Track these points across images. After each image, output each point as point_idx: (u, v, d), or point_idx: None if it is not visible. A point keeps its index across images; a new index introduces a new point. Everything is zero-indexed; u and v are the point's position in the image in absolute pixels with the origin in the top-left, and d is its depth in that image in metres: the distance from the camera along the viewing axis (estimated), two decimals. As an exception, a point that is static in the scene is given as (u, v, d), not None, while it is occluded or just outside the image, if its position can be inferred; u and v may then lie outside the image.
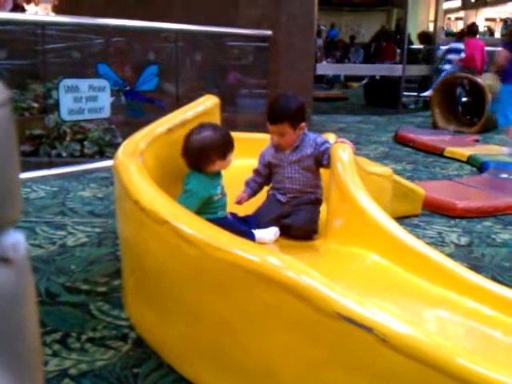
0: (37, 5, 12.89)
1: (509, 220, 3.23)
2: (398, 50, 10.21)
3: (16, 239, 0.56)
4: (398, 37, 10.53)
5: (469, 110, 7.31)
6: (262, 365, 1.37)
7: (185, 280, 1.49)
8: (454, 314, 1.67)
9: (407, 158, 5.21)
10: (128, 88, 4.51)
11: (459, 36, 9.20)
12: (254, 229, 2.20)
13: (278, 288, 1.26)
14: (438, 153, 5.37)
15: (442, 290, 1.74)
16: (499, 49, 5.56)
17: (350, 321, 1.18)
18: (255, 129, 3.42)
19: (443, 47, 9.49)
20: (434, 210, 3.32)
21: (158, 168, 2.03)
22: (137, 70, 4.74)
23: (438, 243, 2.80)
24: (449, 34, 20.22)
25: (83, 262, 2.39)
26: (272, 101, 2.39)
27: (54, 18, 5.54)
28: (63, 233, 2.75)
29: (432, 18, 11.45)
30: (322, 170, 2.38)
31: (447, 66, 8.64)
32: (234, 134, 2.25)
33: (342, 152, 2.20)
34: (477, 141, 6.22)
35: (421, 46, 10.44)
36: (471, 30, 8.49)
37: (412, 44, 10.66)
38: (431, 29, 10.82)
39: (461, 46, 8.44)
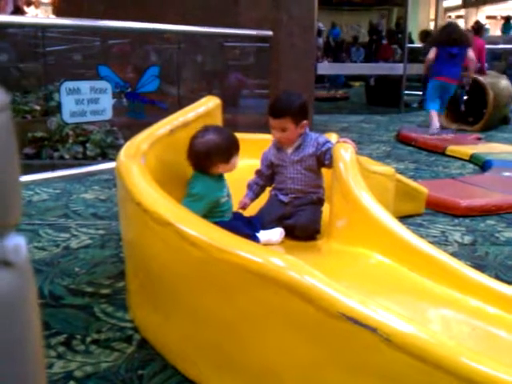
0: (37, 7, 12.91)
1: (512, 218, 3.23)
2: (395, 48, 10.22)
3: (17, 242, 0.56)
4: (400, 35, 10.53)
5: (471, 109, 7.31)
6: (265, 365, 1.37)
7: (188, 281, 1.49)
8: (457, 313, 1.66)
9: (409, 157, 5.21)
10: (129, 90, 4.51)
11: None
12: (259, 229, 2.20)
13: (281, 289, 1.26)
14: (440, 152, 5.36)
15: (446, 289, 1.74)
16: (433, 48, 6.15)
17: (354, 321, 1.17)
18: (256, 129, 3.42)
19: None
20: (437, 208, 3.32)
21: (161, 169, 2.03)
22: (138, 71, 4.75)
23: (442, 242, 2.79)
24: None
25: (87, 265, 2.39)
26: (275, 96, 2.39)
27: (54, 20, 5.54)
28: (66, 235, 2.76)
29: (432, 16, 11.44)
30: (323, 170, 2.38)
31: None
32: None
33: (345, 152, 2.20)
34: (479, 139, 6.21)
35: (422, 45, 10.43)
36: (473, 28, 8.47)
37: (413, 43, 10.66)
38: (432, 27, 10.81)
39: None
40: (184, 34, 4.92)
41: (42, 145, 4.50)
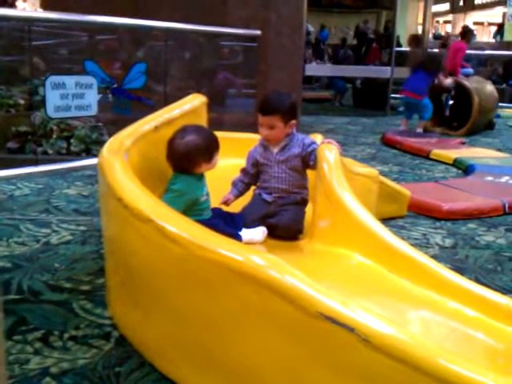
0: (25, 1, 12.78)
1: (493, 222, 3.26)
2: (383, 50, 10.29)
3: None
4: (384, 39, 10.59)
5: (456, 114, 7.37)
6: (245, 364, 1.36)
7: (169, 278, 1.48)
8: (436, 314, 1.67)
9: (394, 160, 5.24)
10: (115, 85, 4.48)
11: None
12: (242, 228, 2.19)
13: (261, 287, 1.26)
14: (424, 155, 5.40)
15: (426, 290, 1.75)
16: None
17: (332, 320, 1.18)
18: (243, 129, 3.42)
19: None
20: (420, 211, 3.34)
21: (143, 166, 2.02)
22: (125, 67, 4.72)
23: (423, 245, 2.81)
24: (437, 37, 20.38)
25: (67, 260, 2.37)
26: (266, 94, 2.39)
27: (41, 14, 5.48)
28: (47, 231, 2.73)
29: (420, 20, 11.52)
30: (308, 171, 2.38)
31: None
32: (221, 134, 2.24)
33: (329, 152, 2.20)
34: (463, 143, 6.27)
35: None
36: (460, 32, 8.51)
37: (401, 46, 10.72)
38: (419, 31, 10.89)
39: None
40: (172, 32, 4.90)
41: (26, 139, 4.46)
